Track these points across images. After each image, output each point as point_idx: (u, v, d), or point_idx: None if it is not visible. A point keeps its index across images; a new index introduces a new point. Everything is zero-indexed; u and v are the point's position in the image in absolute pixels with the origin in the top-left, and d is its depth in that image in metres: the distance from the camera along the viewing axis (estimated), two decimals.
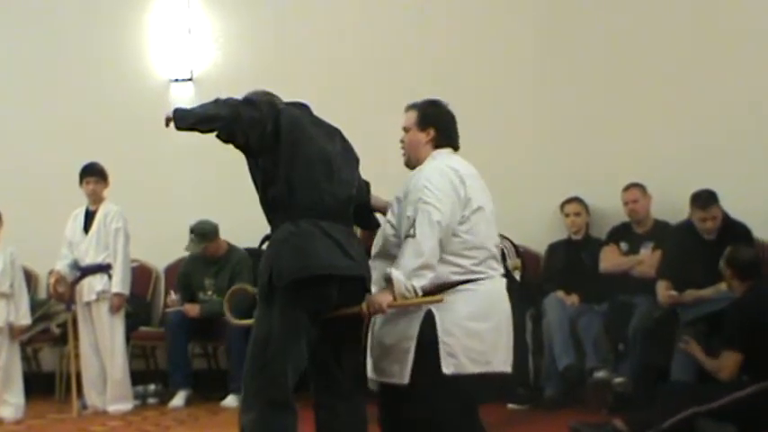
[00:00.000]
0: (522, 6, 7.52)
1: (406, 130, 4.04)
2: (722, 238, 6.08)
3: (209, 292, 7.31)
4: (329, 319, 3.85)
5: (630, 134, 7.13)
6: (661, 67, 7.11)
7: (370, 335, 3.94)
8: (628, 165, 7.02)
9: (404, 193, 3.85)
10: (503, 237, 4.10)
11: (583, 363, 6.46)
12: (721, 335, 5.42)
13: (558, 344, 6.50)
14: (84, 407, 6.98)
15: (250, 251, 7.03)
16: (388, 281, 3.69)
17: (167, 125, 3.80)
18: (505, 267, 4.00)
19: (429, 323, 3.74)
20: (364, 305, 3.78)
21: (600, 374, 6.35)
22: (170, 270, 7.97)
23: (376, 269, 3.89)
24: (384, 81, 7.52)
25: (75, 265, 6.98)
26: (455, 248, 3.77)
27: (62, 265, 6.96)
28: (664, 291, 6.18)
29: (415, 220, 3.70)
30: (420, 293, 3.68)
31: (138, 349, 7.67)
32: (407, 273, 3.66)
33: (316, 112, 4.13)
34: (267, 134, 3.85)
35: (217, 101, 3.86)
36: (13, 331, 6.94)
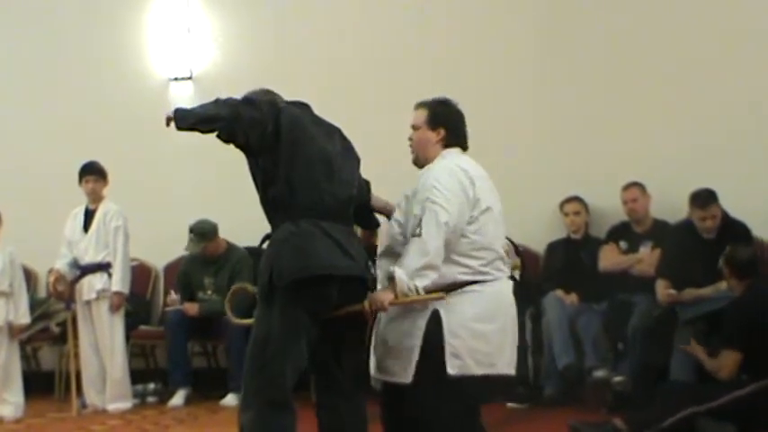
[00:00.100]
0: (522, 6, 7.52)
1: (415, 127, 4.01)
2: (721, 238, 6.08)
3: (209, 292, 7.32)
4: (329, 319, 3.85)
5: (630, 134, 7.14)
6: (661, 67, 7.11)
7: (374, 334, 3.94)
8: (627, 164, 7.02)
9: (413, 191, 3.84)
10: None
11: (582, 362, 6.47)
12: (720, 334, 5.43)
13: (557, 343, 6.50)
14: (84, 405, 6.98)
15: (250, 250, 7.03)
16: (391, 279, 3.68)
17: (168, 125, 3.80)
18: None
19: (435, 322, 3.73)
20: (366, 303, 3.78)
21: (599, 373, 6.36)
22: (170, 269, 7.98)
23: (381, 268, 3.87)
24: (384, 81, 7.52)
25: (74, 264, 6.99)
26: (463, 249, 3.76)
27: (62, 264, 6.96)
28: (663, 290, 6.18)
29: (421, 220, 3.69)
30: (422, 293, 3.67)
31: (137, 348, 7.67)
32: (410, 272, 3.65)
33: (316, 112, 4.13)
34: (268, 134, 3.85)
35: (217, 101, 3.86)
36: (13, 330, 6.94)
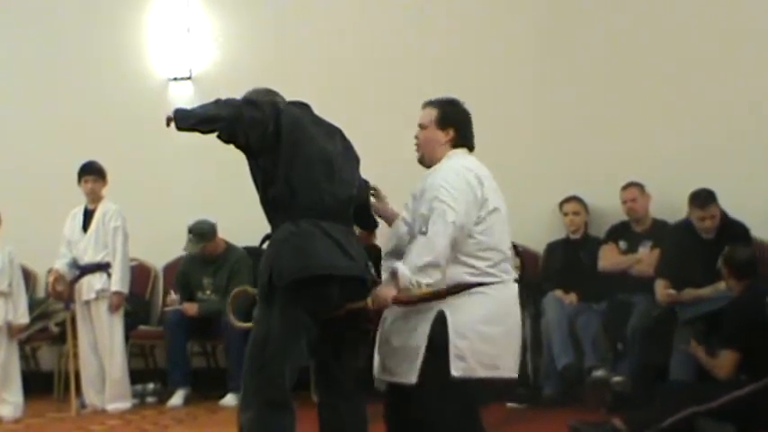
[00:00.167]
0: (522, 6, 7.52)
1: (422, 126, 3.99)
2: (721, 238, 6.09)
3: (208, 292, 7.32)
4: (329, 318, 3.85)
5: (630, 134, 7.14)
6: (661, 67, 7.11)
7: (378, 333, 3.93)
8: (627, 164, 7.02)
9: (420, 190, 3.83)
10: None
11: (581, 362, 6.47)
12: (719, 334, 5.43)
13: (556, 343, 6.50)
14: (83, 405, 6.98)
15: (250, 250, 7.03)
16: (394, 275, 3.67)
17: (168, 125, 3.80)
18: None
19: (440, 323, 3.72)
20: (369, 300, 3.77)
21: (599, 373, 6.35)
22: (169, 269, 7.98)
23: (386, 269, 3.84)
24: (384, 81, 7.52)
25: (73, 264, 6.98)
26: (470, 249, 3.75)
27: (61, 264, 6.96)
28: (662, 290, 6.18)
29: (428, 218, 3.69)
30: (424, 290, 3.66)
31: (136, 348, 7.66)
32: (413, 268, 3.64)
33: (316, 112, 4.13)
34: (268, 134, 3.84)
35: (217, 101, 3.85)
36: (12, 330, 6.94)
